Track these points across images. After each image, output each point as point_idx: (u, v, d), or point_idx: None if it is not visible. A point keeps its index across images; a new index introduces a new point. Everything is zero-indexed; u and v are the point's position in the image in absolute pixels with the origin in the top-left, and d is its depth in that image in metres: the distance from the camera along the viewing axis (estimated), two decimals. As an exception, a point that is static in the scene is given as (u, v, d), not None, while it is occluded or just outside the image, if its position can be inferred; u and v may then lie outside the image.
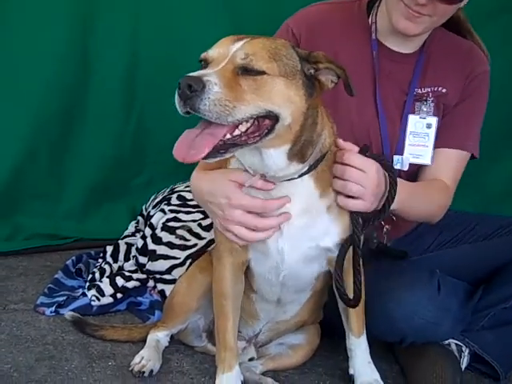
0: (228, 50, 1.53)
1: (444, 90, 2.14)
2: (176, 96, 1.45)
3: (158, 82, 3.29)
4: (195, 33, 3.25)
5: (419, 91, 2.14)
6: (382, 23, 2.12)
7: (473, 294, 2.26)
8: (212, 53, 1.55)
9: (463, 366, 2.15)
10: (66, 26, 3.14)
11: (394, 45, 2.13)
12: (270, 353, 2.12)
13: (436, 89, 2.14)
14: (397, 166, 2.12)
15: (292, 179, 1.69)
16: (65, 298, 2.52)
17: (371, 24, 2.15)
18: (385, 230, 2.17)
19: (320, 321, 2.19)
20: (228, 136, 1.51)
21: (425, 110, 2.13)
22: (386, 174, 1.82)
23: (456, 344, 2.15)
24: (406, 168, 2.13)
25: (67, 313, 2.33)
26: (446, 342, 2.14)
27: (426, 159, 2.13)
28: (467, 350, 2.16)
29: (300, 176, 1.69)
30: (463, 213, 2.47)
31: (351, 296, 1.84)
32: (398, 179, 1.89)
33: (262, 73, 1.52)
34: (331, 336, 2.20)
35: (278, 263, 1.80)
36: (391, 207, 1.83)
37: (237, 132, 1.52)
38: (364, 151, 1.78)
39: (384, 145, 2.13)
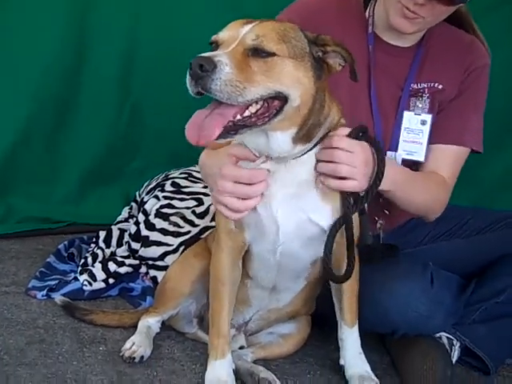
0: (238, 33, 1.55)
1: (440, 87, 2.11)
2: (187, 76, 1.47)
3: (153, 69, 3.30)
4: (190, 23, 3.25)
5: (415, 87, 2.12)
6: (380, 16, 2.09)
7: (465, 287, 2.27)
8: (222, 35, 1.57)
9: (454, 360, 2.14)
10: (63, 17, 3.13)
11: (391, 39, 2.11)
12: (261, 341, 2.12)
13: (432, 85, 2.11)
14: None
15: (297, 157, 1.70)
16: (56, 281, 2.51)
17: (368, 17, 2.12)
18: (379, 224, 2.15)
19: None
20: (238, 117, 1.53)
21: (420, 106, 2.11)
22: (375, 154, 1.80)
23: (447, 337, 2.15)
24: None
25: (57, 297, 2.32)
26: (437, 335, 2.14)
27: (419, 156, 2.11)
28: (458, 344, 2.16)
29: (306, 153, 1.70)
30: (457, 206, 2.46)
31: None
32: (397, 164, 1.92)
33: (272, 54, 1.54)
34: (322, 326, 2.20)
35: (274, 235, 1.79)
36: (385, 187, 1.83)
37: (247, 113, 1.53)
38: (357, 132, 1.76)
39: (377, 139, 2.10)
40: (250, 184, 1.70)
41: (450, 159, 2.14)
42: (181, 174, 3.03)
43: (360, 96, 2.09)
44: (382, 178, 1.79)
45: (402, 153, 2.11)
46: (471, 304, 2.20)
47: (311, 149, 1.71)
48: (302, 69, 1.58)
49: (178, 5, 3.27)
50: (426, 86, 2.11)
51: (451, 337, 2.15)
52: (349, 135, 1.74)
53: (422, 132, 2.10)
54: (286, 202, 1.75)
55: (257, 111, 1.55)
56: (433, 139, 2.12)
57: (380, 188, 1.82)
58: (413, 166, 2.13)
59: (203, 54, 1.47)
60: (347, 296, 1.95)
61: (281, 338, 2.12)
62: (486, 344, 2.16)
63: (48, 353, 2.04)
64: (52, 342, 2.11)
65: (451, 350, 2.14)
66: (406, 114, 2.10)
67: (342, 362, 2.00)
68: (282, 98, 1.56)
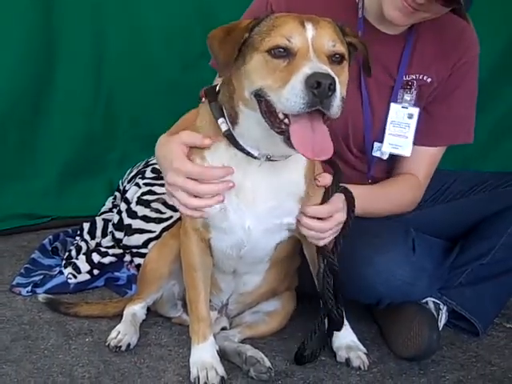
0: (305, 37, 1.49)
1: (429, 80, 2.05)
2: (307, 95, 1.40)
3: (126, 56, 3.25)
4: (160, 7, 3.20)
5: (404, 78, 2.06)
6: (372, 3, 2.00)
7: (450, 250, 2.26)
8: (294, 42, 1.49)
9: (441, 324, 2.15)
10: (30, 4, 3.06)
11: (381, 25, 2.02)
12: (247, 321, 2.12)
13: (421, 77, 2.05)
14: (376, 154, 2.08)
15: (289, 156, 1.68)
16: (41, 277, 2.49)
17: (358, 1, 2.03)
18: None
19: (297, 286, 2.18)
20: None
21: (407, 99, 2.05)
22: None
23: (434, 302, 2.15)
24: (385, 157, 2.09)
25: (40, 295, 2.31)
26: (424, 300, 2.14)
27: (405, 151, 2.06)
28: (445, 308, 2.17)
29: None
30: (440, 171, 2.44)
31: None
32: (360, 187, 1.94)
33: (343, 59, 1.53)
34: (309, 301, 2.19)
35: (243, 240, 1.79)
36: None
37: None
38: (337, 177, 1.80)
39: (366, 131, 2.07)
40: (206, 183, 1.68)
41: (432, 159, 2.13)
42: (161, 159, 3.00)
43: (349, 85, 2.04)
44: (350, 225, 1.83)
45: (388, 146, 2.06)
46: (457, 267, 2.21)
47: None
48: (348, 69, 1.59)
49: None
50: (414, 77, 2.05)
51: (437, 301, 2.16)
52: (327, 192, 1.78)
53: (409, 126, 2.05)
54: (261, 214, 1.74)
55: None
56: (419, 141, 2.08)
57: None
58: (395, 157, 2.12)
59: (319, 70, 1.40)
60: None
61: (266, 316, 2.11)
62: (473, 306, 2.17)
63: (33, 348, 2.03)
64: (37, 338, 2.10)
65: (438, 314, 2.14)
66: (393, 107, 2.04)
67: (328, 334, 2.00)
68: None
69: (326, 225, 1.77)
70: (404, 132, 2.05)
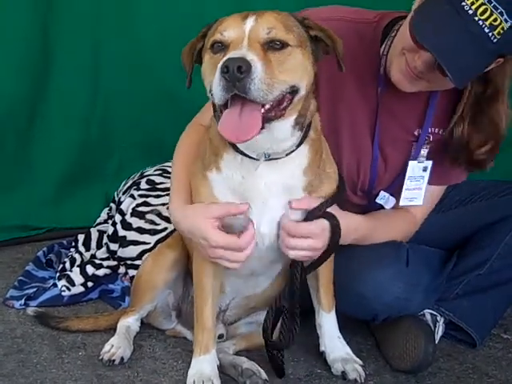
0: (243, 29, 1.52)
1: (443, 132, 2.02)
2: (220, 80, 1.43)
3: (123, 65, 3.24)
4: (158, 15, 3.21)
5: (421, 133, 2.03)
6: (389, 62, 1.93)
7: (447, 260, 2.24)
8: (228, 34, 1.53)
9: (438, 336, 2.14)
10: (27, 13, 3.05)
11: None
12: (242, 332, 2.10)
13: (437, 131, 2.02)
14: (380, 201, 2.07)
15: (290, 152, 1.68)
16: (35, 289, 2.47)
17: (382, 56, 1.95)
18: None
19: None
20: (262, 111, 1.51)
21: (423, 153, 2.03)
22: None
23: (430, 314, 2.14)
24: (388, 207, 2.07)
25: (29, 309, 2.29)
26: (421, 312, 2.12)
27: (418, 201, 2.06)
28: (442, 319, 2.15)
29: (297, 146, 1.69)
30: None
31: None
32: (359, 217, 1.95)
33: (286, 45, 1.53)
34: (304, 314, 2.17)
35: (259, 243, 1.78)
36: (347, 242, 1.89)
37: (267, 107, 1.52)
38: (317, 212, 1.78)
39: (371, 180, 2.06)
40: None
41: (433, 197, 2.11)
42: (155, 170, 2.99)
43: (361, 137, 2.01)
44: (336, 247, 1.82)
45: (404, 201, 2.05)
46: (454, 277, 2.19)
47: (301, 141, 1.69)
48: (306, 56, 1.58)
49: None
50: (430, 131, 2.02)
51: (435, 313, 2.14)
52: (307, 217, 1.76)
53: (423, 178, 2.04)
54: (273, 219, 1.75)
55: (273, 104, 1.52)
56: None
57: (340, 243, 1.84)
58: None
59: (233, 56, 1.43)
60: (323, 281, 1.94)
61: (261, 327, 2.08)
62: (471, 317, 2.15)
63: (26, 362, 2.01)
64: (30, 351, 2.08)
65: (435, 325, 2.13)
66: (411, 164, 2.03)
67: (322, 348, 1.99)
68: (295, 91, 1.56)
69: (293, 241, 1.76)
70: (418, 185, 2.05)
